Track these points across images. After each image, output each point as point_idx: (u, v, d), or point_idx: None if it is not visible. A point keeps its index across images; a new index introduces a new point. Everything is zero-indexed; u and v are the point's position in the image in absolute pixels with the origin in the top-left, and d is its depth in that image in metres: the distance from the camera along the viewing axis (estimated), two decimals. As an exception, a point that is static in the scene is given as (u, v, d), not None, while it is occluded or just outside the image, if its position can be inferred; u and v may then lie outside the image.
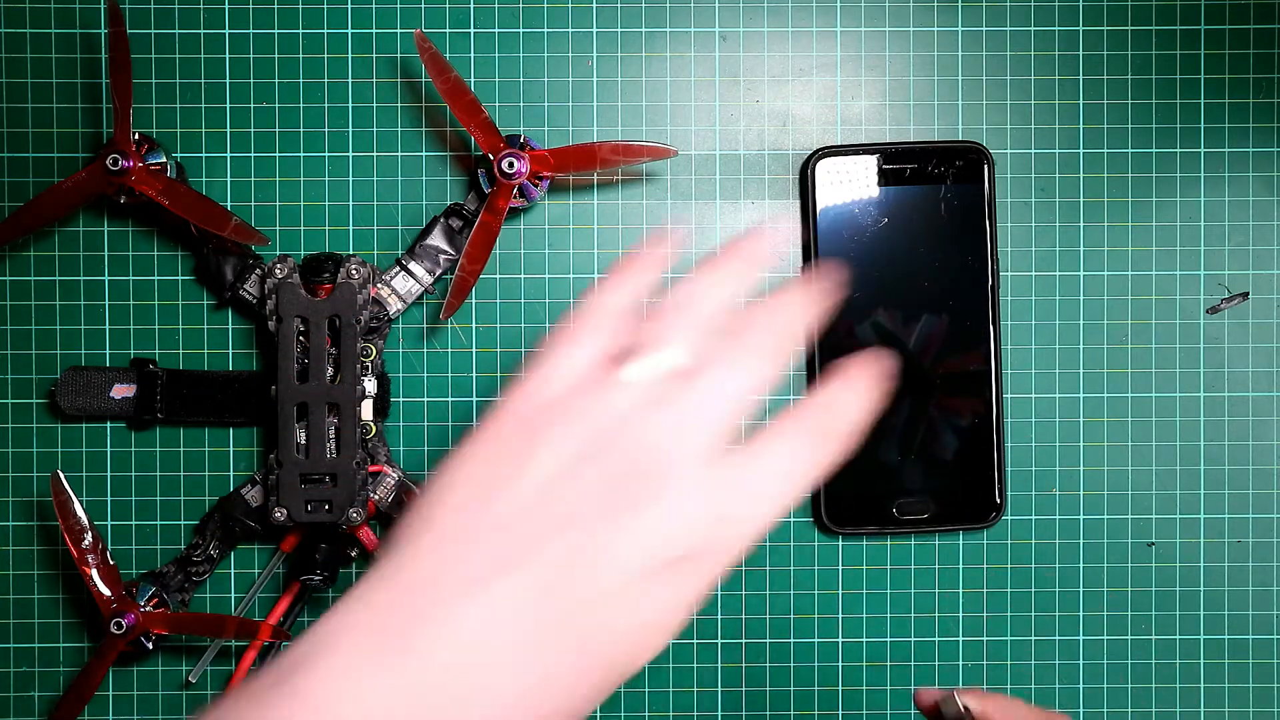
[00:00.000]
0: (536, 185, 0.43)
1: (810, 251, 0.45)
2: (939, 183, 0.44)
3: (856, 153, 0.44)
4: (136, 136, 0.42)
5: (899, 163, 0.44)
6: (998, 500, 0.45)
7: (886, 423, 0.45)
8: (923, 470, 0.45)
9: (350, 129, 0.45)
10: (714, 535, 0.24)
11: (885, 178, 0.44)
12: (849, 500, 0.45)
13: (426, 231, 0.44)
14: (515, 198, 0.43)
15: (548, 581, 0.23)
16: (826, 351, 0.45)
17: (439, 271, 0.44)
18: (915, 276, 0.44)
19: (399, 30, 0.45)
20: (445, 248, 0.44)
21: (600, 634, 0.23)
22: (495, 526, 0.23)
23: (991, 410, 0.45)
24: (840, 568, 0.46)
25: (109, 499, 0.45)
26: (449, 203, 0.45)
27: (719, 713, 0.45)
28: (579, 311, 0.27)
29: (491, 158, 0.42)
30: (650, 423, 0.24)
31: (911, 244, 0.44)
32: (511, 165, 0.42)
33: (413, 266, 0.44)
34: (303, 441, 0.42)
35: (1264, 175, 0.46)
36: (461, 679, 0.22)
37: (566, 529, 0.23)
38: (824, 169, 0.44)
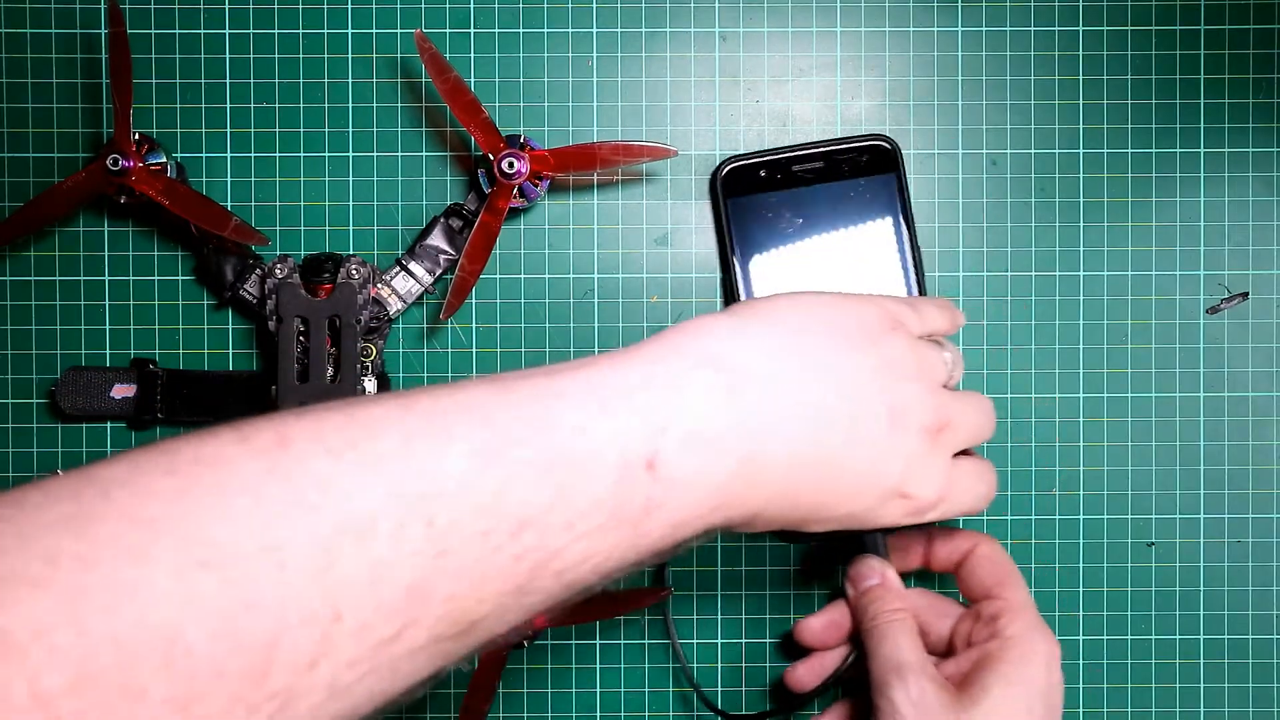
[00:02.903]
0: (536, 185, 0.43)
1: (727, 261, 0.44)
2: (851, 178, 0.44)
3: (763, 158, 0.44)
4: (136, 136, 0.42)
5: (808, 163, 0.44)
6: None
7: None
8: None
9: (350, 129, 0.45)
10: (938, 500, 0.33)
11: (796, 179, 0.44)
12: None
13: (426, 231, 0.44)
14: (515, 198, 0.43)
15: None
16: None
17: (439, 271, 0.44)
18: (837, 275, 0.44)
19: (399, 30, 0.45)
20: (445, 248, 0.44)
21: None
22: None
23: None
24: (840, 567, 0.46)
25: (109, 499, 0.45)
26: (449, 203, 0.45)
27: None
28: None
29: (491, 158, 0.42)
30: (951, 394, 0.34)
31: (828, 242, 0.44)
32: (511, 165, 0.42)
33: (413, 266, 0.44)
34: (303, 441, 0.42)
35: (1264, 175, 0.46)
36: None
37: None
38: (732, 178, 0.44)
